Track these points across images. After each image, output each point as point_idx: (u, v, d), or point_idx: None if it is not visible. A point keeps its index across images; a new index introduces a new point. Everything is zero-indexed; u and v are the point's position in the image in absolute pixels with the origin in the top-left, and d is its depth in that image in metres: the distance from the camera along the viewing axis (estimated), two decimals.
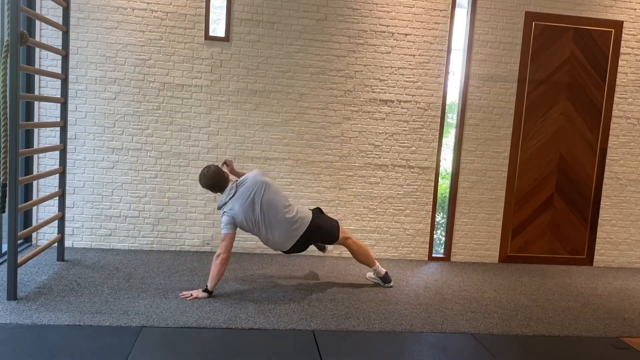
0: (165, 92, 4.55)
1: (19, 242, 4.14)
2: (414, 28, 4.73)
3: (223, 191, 3.69)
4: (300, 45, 4.64)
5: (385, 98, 4.77)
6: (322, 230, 3.84)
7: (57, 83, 4.16)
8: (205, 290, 3.55)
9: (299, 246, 3.81)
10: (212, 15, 4.56)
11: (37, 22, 4.35)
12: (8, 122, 3.18)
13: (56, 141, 4.33)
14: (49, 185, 4.47)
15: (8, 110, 3.17)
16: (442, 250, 5.11)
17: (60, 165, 4.10)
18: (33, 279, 3.71)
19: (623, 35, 4.96)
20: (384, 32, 4.71)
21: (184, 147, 4.61)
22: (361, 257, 4.00)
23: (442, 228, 5.19)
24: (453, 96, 4.99)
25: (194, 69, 4.56)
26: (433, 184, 4.90)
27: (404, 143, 4.83)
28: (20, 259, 3.44)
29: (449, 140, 5.07)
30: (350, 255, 4.10)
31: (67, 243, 4.50)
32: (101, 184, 4.56)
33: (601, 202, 5.12)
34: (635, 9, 4.96)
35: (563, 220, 5.08)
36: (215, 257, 3.56)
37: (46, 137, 4.47)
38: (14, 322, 2.99)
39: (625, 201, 5.15)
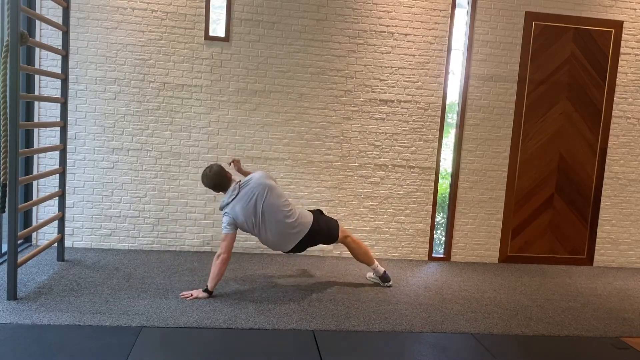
0: (165, 92, 4.55)
1: (19, 242, 4.14)
2: (414, 28, 4.73)
3: (225, 191, 3.69)
4: (300, 45, 4.64)
5: (385, 98, 4.77)
6: (322, 233, 3.83)
7: (57, 83, 4.16)
8: (206, 290, 3.55)
9: (299, 248, 3.82)
10: (212, 15, 4.56)
11: (37, 22, 4.35)
12: (8, 122, 3.18)
13: (56, 141, 4.33)
14: (49, 185, 4.47)
15: (8, 110, 3.17)
16: (442, 250, 5.11)
17: (60, 165, 4.10)
18: (33, 279, 3.71)
19: (623, 35, 4.96)
20: (384, 32, 4.71)
21: (184, 147, 4.61)
22: (360, 255, 4.00)
23: (442, 228, 5.19)
24: (453, 96, 4.99)
25: (194, 69, 4.56)
26: (433, 184, 4.90)
27: (404, 143, 4.83)
28: (20, 259, 3.44)
29: (449, 140, 5.07)
30: (350, 255, 4.10)
31: (67, 243, 4.50)
32: (101, 184, 4.56)
33: (601, 202, 5.12)
34: (635, 9, 4.96)
35: (563, 220, 5.08)
36: (215, 257, 3.56)
37: (46, 137, 4.47)
38: (14, 322, 2.99)
39: (625, 201, 5.15)
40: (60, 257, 4.17)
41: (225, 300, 3.54)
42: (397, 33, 4.72)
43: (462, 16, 4.84)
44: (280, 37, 4.61)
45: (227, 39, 4.56)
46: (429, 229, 4.94)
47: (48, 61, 4.38)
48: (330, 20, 4.64)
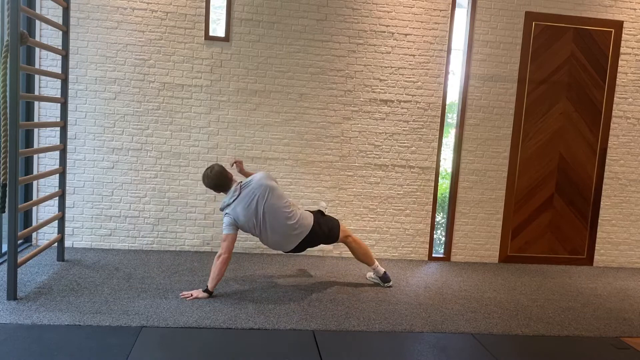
0: (165, 92, 4.55)
1: (19, 242, 4.14)
2: (414, 28, 4.73)
3: (226, 192, 3.69)
4: (300, 45, 4.64)
5: (385, 98, 4.77)
6: (322, 234, 3.83)
7: (57, 83, 4.16)
8: (206, 291, 3.55)
9: (300, 248, 3.82)
10: (212, 15, 4.56)
11: (37, 22, 4.35)
12: (8, 122, 3.18)
13: (56, 141, 4.33)
14: (49, 185, 4.47)
15: (8, 110, 3.17)
16: (442, 250, 5.11)
17: (60, 165, 4.10)
18: (33, 279, 3.71)
19: (623, 35, 4.96)
20: (384, 32, 4.71)
21: (184, 147, 4.61)
22: (361, 255, 4.00)
23: (442, 228, 5.19)
24: (453, 96, 4.99)
25: (194, 69, 4.56)
26: (433, 184, 4.90)
27: (404, 143, 4.83)
28: (20, 259, 3.44)
29: (449, 140, 5.07)
30: (350, 255, 4.10)
31: (67, 243, 4.50)
32: (101, 184, 4.56)
33: (601, 202, 5.12)
34: (635, 9, 4.96)
35: (563, 220, 5.08)
36: (216, 257, 3.56)
37: (46, 137, 4.47)
38: (14, 322, 2.99)
39: (625, 201, 5.15)
40: (60, 257, 4.17)
41: (225, 300, 3.54)
42: (397, 33, 4.72)
43: (462, 16, 4.84)
44: (280, 37, 4.61)
45: (227, 39, 4.56)
46: (429, 229, 4.94)
47: (48, 61, 4.39)
48: (330, 20, 4.64)
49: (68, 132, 4.22)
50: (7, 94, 3.17)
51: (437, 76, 4.80)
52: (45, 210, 4.52)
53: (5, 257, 3.48)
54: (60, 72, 4.03)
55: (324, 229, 3.83)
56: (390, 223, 4.89)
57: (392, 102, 4.78)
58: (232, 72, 4.60)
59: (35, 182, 4.48)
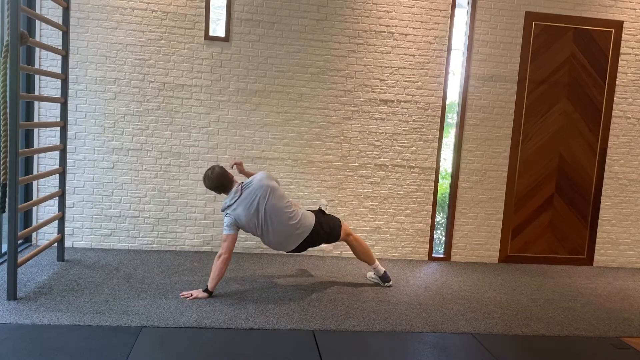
0: (165, 92, 4.55)
1: (19, 242, 4.14)
2: (414, 28, 4.73)
3: (227, 192, 3.68)
4: (300, 45, 4.64)
5: (385, 98, 4.77)
6: (324, 233, 3.83)
7: (57, 83, 4.16)
8: (206, 291, 3.55)
9: (301, 248, 3.82)
10: (212, 15, 4.56)
11: (37, 22, 4.35)
12: (8, 122, 3.18)
13: (56, 141, 4.33)
14: (49, 185, 4.47)
15: (8, 110, 3.17)
16: (442, 250, 5.11)
17: (60, 165, 4.10)
18: (33, 279, 3.71)
19: (623, 35, 4.96)
20: (384, 32, 4.71)
21: (184, 147, 4.61)
22: (361, 254, 4.00)
23: (442, 228, 5.19)
24: (453, 96, 4.99)
25: (194, 69, 4.56)
26: (433, 184, 4.90)
27: (404, 143, 4.83)
28: (20, 259, 3.44)
29: (449, 140, 5.07)
30: (351, 255, 4.10)
31: (67, 243, 4.50)
32: (101, 184, 4.56)
33: (601, 202, 5.12)
34: (635, 9, 4.96)
35: (563, 220, 5.08)
36: (216, 257, 3.56)
37: (46, 137, 4.47)
38: (14, 322, 2.99)
39: (625, 201, 5.15)
40: (60, 257, 4.17)
41: (225, 300, 3.54)
42: (397, 33, 4.72)
43: (462, 16, 4.84)
44: (280, 37, 4.61)
45: (227, 39, 4.56)
46: (429, 229, 4.94)
47: (48, 61, 4.39)
48: (330, 20, 4.64)
49: (68, 132, 4.22)
50: (7, 94, 3.17)
51: (437, 76, 4.80)
52: (45, 210, 4.53)
53: (5, 257, 3.48)
54: (60, 72, 4.03)
55: (326, 229, 3.83)
56: (390, 223, 4.89)
57: (392, 102, 4.78)
58: (232, 72, 4.60)
59: (35, 182, 4.49)
